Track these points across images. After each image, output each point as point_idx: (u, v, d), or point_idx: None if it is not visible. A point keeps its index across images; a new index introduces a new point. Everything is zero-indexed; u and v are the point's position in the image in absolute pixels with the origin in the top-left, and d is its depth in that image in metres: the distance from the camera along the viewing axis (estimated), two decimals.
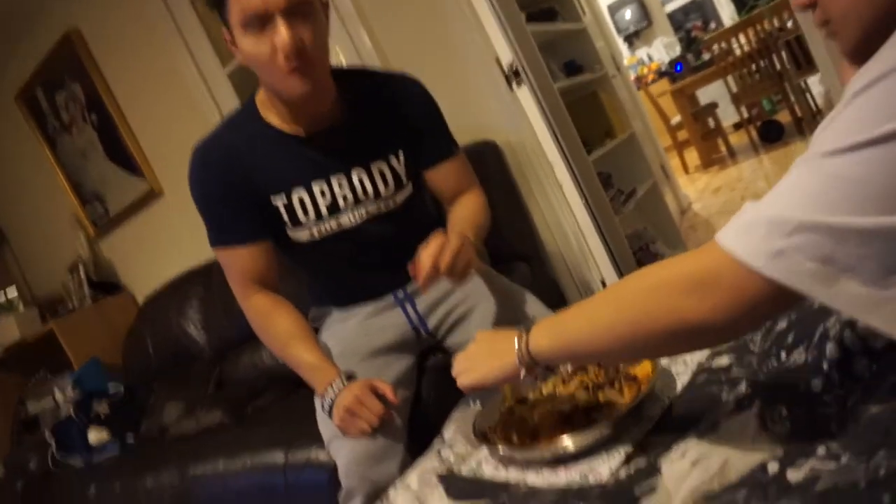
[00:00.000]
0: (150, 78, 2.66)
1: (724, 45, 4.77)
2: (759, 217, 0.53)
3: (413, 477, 0.95)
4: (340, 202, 1.27)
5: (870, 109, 0.47)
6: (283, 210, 1.25)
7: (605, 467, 0.76)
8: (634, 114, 3.45)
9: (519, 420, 0.91)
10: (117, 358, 2.89)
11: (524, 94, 1.88)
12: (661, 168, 3.80)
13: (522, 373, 0.80)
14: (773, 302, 0.53)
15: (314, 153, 1.25)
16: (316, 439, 1.32)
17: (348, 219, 1.28)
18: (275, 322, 1.29)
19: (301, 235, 1.28)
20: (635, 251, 2.63)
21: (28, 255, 3.53)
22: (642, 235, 2.86)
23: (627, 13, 6.90)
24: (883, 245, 0.46)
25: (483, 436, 0.92)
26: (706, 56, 5.45)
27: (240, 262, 1.28)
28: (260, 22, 1.07)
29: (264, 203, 1.25)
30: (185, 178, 1.28)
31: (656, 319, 0.60)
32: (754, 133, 5.17)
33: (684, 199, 4.16)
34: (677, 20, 6.79)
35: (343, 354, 1.31)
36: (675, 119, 5.31)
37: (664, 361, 0.91)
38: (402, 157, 1.31)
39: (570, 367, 0.91)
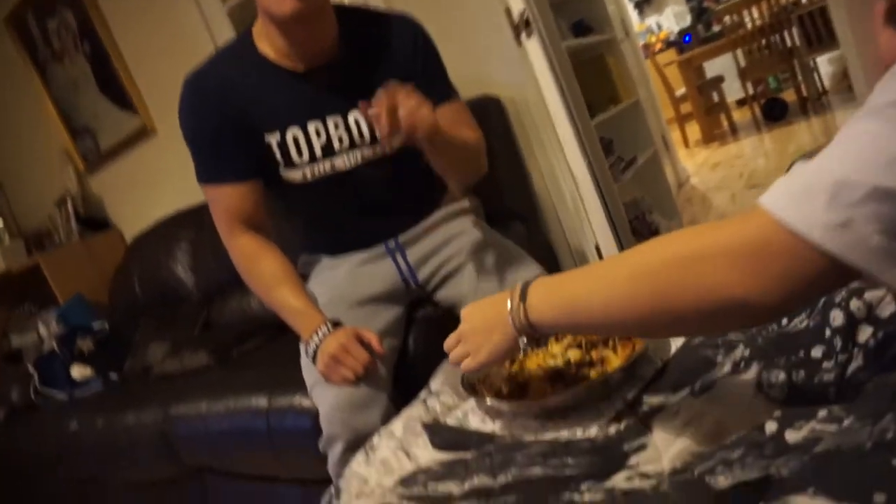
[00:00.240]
0: (146, 10, 2.57)
1: (735, 17, 4.69)
2: (821, 180, 0.45)
3: (398, 425, 0.94)
4: (335, 144, 1.23)
5: None
6: (276, 148, 1.22)
7: (594, 424, 0.74)
8: (640, 81, 3.40)
9: (509, 373, 0.90)
10: (103, 296, 2.86)
11: (533, 47, 1.83)
12: (662, 139, 3.76)
13: (523, 342, 0.73)
14: (831, 279, 0.47)
15: (310, 91, 1.21)
16: (300, 385, 1.31)
17: (343, 161, 1.25)
18: (261, 264, 1.26)
19: (294, 176, 1.25)
20: (631, 220, 2.61)
21: (15, 185, 3.46)
22: (639, 204, 2.84)
23: None
24: None
25: (471, 387, 0.91)
26: (716, 28, 5.36)
27: (227, 200, 1.25)
28: None
29: (257, 140, 1.21)
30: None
31: (689, 294, 0.52)
32: (758, 110, 5.12)
33: (683, 172, 4.14)
34: None
35: (331, 302, 1.29)
36: (680, 91, 5.24)
37: None
38: None
39: None
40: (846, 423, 0.45)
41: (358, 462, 0.90)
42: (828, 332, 0.65)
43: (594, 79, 2.66)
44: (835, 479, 0.39)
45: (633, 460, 0.65)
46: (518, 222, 1.86)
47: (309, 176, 1.25)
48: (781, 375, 0.65)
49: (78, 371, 2.43)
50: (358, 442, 1.02)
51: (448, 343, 0.85)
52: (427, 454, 0.84)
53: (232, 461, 1.69)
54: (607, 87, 2.79)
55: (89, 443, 2.04)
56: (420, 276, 1.37)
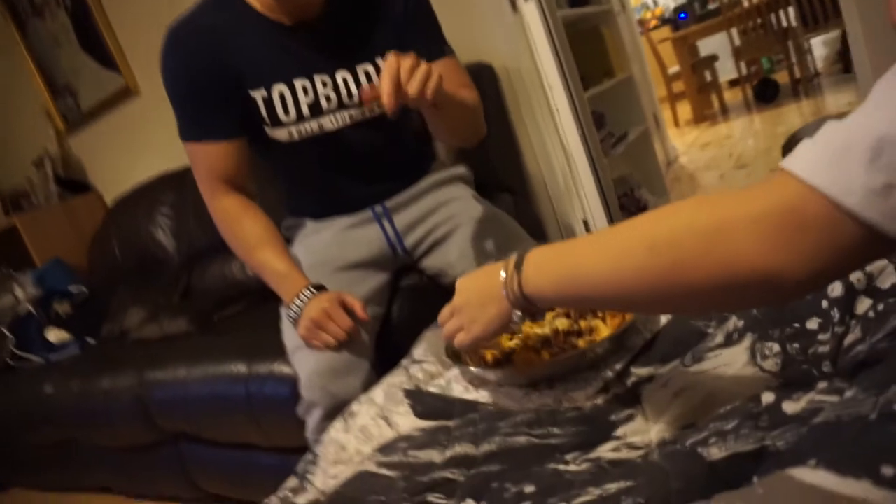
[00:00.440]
0: None
1: None
2: (859, 139, 0.40)
3: (378, 392, 0.92)
4: (323, 103, 1.19)
5: None
6: (261, 105, 1.17)
7: (580, 394, 0.72)
8: (634, 57, 3.36)
9: (494, 341, 0.87)
10: (82, 259, 2.81)
11: (530, 12, 1.78)
12: (653, 117, 3.73)
13: (517, 316, 0.67)
14: (869, 250, 0.42)
15: (298, 46, 1.17)
16: (280, 352, 1.28)
17: (330, 121, 1.21)
18: (243, 225, 1.22)
19: (280, 135, 1.20)
20: (620, 196, 2.59)
21: None
22: (628, 180, 2.82)
23: None
24: None
25: (455, 355, 0.88)
26: (713, 6, 5.30)
27: (210, 159, 1.20)
28: None
29: (242, 96, 1.17)
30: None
31: (708, 266, 0.46)
32: (749, 92, 5.10)
33: (672, 150, 4.12)
34: None
35: (314, 266, 1.26)
36: (673, 69, 5.20)
37: None
38: None
39: None
40: (848, 394, 0.43)
41: (336, 429, 0.87)
42: (825, 304, 0.63)
43: (588, 51, 2.62)
44: (837, 452, 0.37)
45: (620, 431, 0.63)
46: (506, 194, 1.82)
47: (295, 135, 1.20)
48: (776, 347, 0.63)
49: (54, 335, 2.39)
50: (337, 409, 0.99)
51: (442, 316, 0.80)
52: (408, 422, 0.82)
53: (209, 428, 1.66)
54: (602, 60, 2.74)
55: (64, 407, 2.01)
56: (407, 242, 1.33)
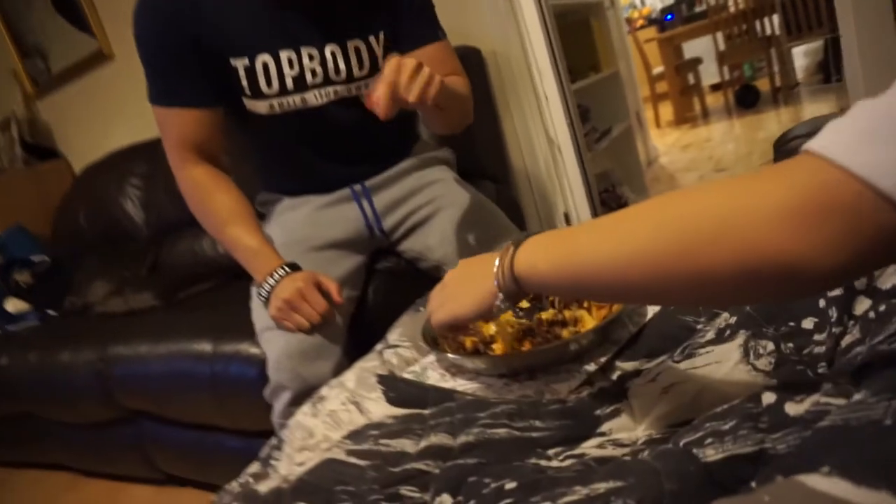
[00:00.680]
0: None
1: None
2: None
3: (350, 376, 0.87)
4: (308, 77, 1.14)
5: None
6: (243, 74, 1.11)
7: (563, 386, 0.69)
8: (620, 55, 3.34)
9: (474, 328, 0.84)
10: (46, 228, 2.71)
11: None
12: (636, 116, 3.72)
13: (499, 299, 0.61)
14: None
15: (286, 15, 1.11)
16: (249, 332, 1.23)
17: (315, 96, 1.16)
18: (214, 199, 1.16)
19: (259, 107, 1.15)
20: (601, 192, 2.58)
21: None
22: (609, 176, 2.80)
23: None
24: None
25: (433, 341, 0.84)
26: (699, 8, 5.32)
27: (181, 126, 1.14)
28: None
29: (222, 63, 1.11)
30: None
31: (725, 252, 0.41)
32: (731, 97, 5.14)
33: (653, 150, 4.13)
34: None
35: (287, 245, 1.20)
36: (657, 69, 5.22)
37: None
38: (381, 39, 1.19)
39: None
40: (857, 396, 0.40)
41: (304, 413, 0.83)
42: (822, 303, 0.60)
43: (577, 43, 2.59)
44: (851, 458, 0.34)
45: (605, 427, 0.60)
46: (488, 182, 1.79)
47: (277, 108, 1.15)
48: (769, 345, 0.60)
49: (13, 304, 2.30)
50: (306, 393, 0.95)
51: (432, 292, 0.76)
52: (380, 409, 0.78)
53: (171, 407, 1.61)
54: (589, 53, 2.72)
55: (20, 379, 1.94)
56: (386, 224, 1.29)
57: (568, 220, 2.00)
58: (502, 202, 1.79)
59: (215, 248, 2.13)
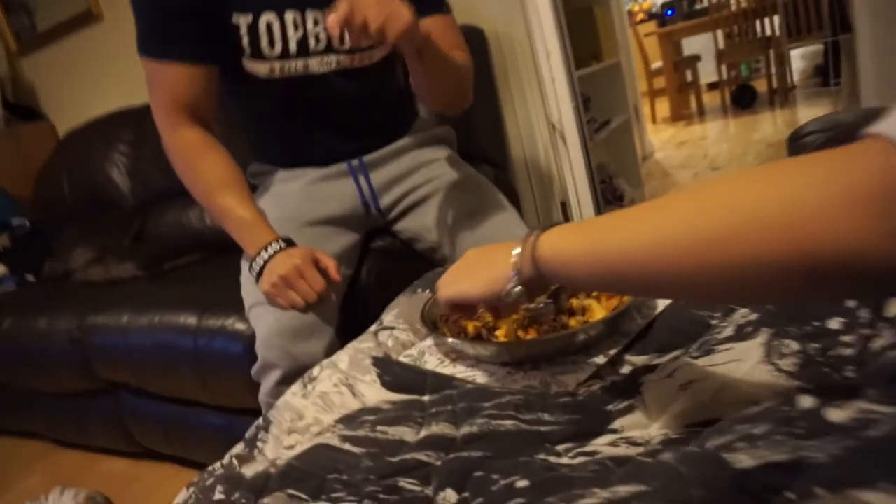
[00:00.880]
0: None
1: None
2: None
3: (343, 357, 0.84)
4: (311, 42, 1.09)
5: None
6: (244, 33, 1.06)
7: (570, 377, 0.66)
8: (621, 46, 3.30)
9: (479, 312, 0.80)
10: (26, 191, 2.63)
11: None
12: (633, 109, 3.69)
13: (511, 283, 0.57)
14: None
15: None
16: (236, 307, 1.19)
17: (317, 64, 1.11)
18: (203, 163, 1.10)
19: (259, 69, 1.10)
20: (598, 182, 2.55)
21: None
22: (606, 168, 2.78)
23: None
24: None
25: (432, 324, 0.81)
26: (700, 5, 5.29)
27: (173, 82, 1.07)
28: None
29: (223, 19, 1.05)
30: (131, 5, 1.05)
31: (772, 240, 0.37)
32: (727, 96, 5.12)
33: (648, 145, 4.11)
34: None
35: (280, 219, 1.15)
36: (656, 64, 5.19)
37: None
38: None
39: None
40: None
41: (293, 393, 0.79)
42: (850, 303, 0.57)
43: (580, 30, 2.54)
44: None
45: (617, 423, 0.57)
46: (486, 165, 1.75)
47: (277, 73, 1.10)
48: (794, 345, 0.57)
49: None
50: (296, 373, 0.91)
51: (450, 268, 0.71)
52: (375, 393, 0.74)
53: (151, 380, 1.56)
54: (591, 41, 2.67)
55: None
56: (382, 202, 1.25)
57: (565, 209, 1.97)
58: (499, 187, 1.76)
59: (203, 220, 2.08)
